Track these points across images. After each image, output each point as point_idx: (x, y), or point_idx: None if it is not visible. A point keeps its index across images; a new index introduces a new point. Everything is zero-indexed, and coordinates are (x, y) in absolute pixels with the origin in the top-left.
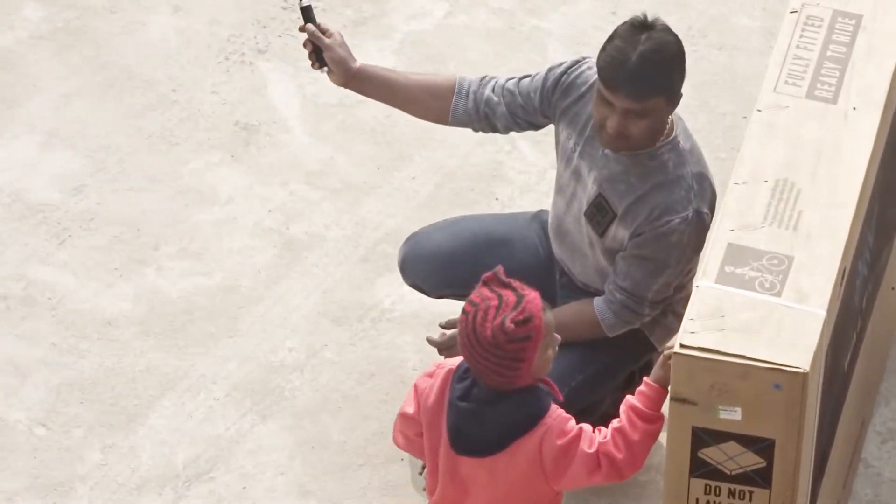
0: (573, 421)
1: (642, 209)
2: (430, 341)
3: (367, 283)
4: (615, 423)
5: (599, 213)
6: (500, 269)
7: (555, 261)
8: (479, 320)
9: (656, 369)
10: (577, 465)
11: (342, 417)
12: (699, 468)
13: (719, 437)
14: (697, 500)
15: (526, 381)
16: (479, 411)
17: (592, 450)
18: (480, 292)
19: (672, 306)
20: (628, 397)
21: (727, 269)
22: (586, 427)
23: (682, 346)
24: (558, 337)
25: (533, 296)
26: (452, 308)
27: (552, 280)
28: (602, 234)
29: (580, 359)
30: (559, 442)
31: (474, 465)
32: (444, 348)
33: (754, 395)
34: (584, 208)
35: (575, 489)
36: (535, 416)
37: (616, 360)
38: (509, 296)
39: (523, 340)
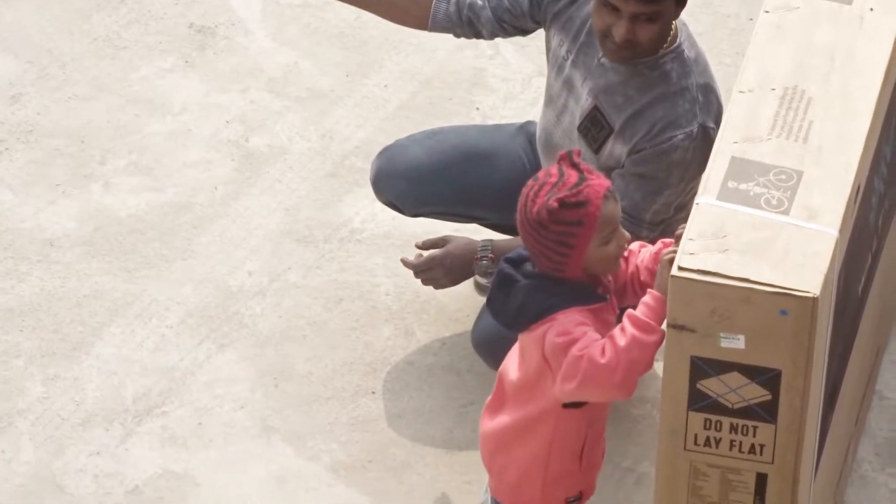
0: (586, 327)
1: (642, 124)
2: (405, 263)
3: (334, 199)
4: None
5: (594, 128)
6: (576, 150)
7: None
8: (531, 195)
9: (658, 276)
10: (565, 367)
11: (307, 346)
12: (698, 401)
13: (720, 367)
14: (696, 435)
15: (575, 273)
16: (509, 279)
17: (580, 353)
18: (547, 169)
19: (672, 227)
20: (630, 311)
21: (730, 184)
22: (594, 334)
23: (680, 268)
24: (626, 234)
25: (598, 182)
26: (429, 227)
27: None
28: (597, 150)
29: None
30: (558, 339)
31: (519, 337)
32: (421, 271)
33: (759, 321)
34: (578, 122)
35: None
36: (546, 307)
37: None
38: (571, 176)
39: (571, 225)
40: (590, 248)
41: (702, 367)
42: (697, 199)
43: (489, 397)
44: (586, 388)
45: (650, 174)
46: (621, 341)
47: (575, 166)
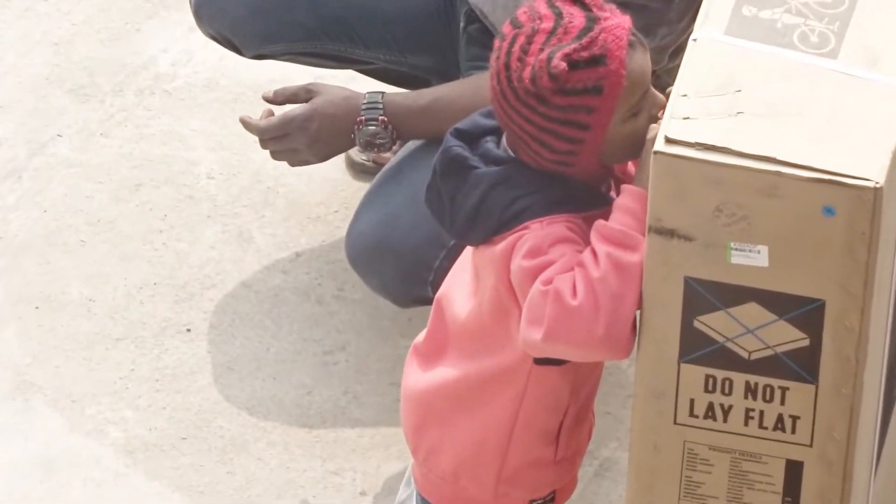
0: (570, 247)
1: None
2: (248, 124)
3: (129, 29)
4: None
5: None
6: None
7: (458, 0)
8: (516, 52)
9: (640, 164)
10: (527, 307)
11: (86, 258)
12: (696, 347)
13: (731, 295)
14: (693, 401)
15: (587, 167)
16: (461, 164)
17: (545, 287)
18: (532, 7)
19: (663, 81)
20: (599, 220)
21: (746, 10)
22: (572, 256)
23: (667, 140)
24: (659, 96)
25: (616, 23)
26: (278, 74)
27: (453, 29)
28: None
29: None
30: (525, 262)
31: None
32: (271, 138)
33: (791, 225)
34: None
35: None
36: (516, 212)
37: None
38: (576, 16)
39: (586, 93)
40: (611, 126)
41: (701, 296)
42: (695, 34)
43: (420, 336)
44: (557, 343)
45: (639, 3)
46: (594, 270)
47: None
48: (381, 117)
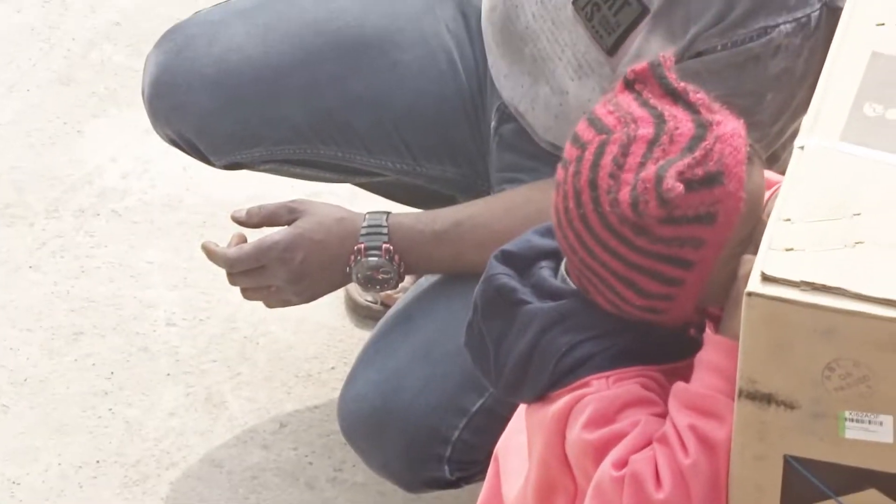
0: (644, 410)
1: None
2: (212, 253)
3: (68, 132)
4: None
5: (610, 5)
6: (666, 57)
7: (489, 91)
8: (607, 167)
9: (727, 314)
10: (595, 496)
11: (8, 431)
12: None
13: (845, 479)
14: None
15: (679, 314)
16: (508, 297)
17: (619, 472)
18: (618, 104)
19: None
20: (679, 383)
21: (868, 109)
22: (654, 424)
23: (765, 278)
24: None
25: (731, 129)
26: (258, 191)
27: (483, 130)
28: (613, 48)
29: None
30: (586, 434)
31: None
32: (242, 272)
33: None
34: None
35: None
36: (575, 362)
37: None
38: (681, 120)
39: (698, 223)
40: (717, 264)
41: (806, 481)
42: (802, 140)
43: None
44: None
45: (724, 95)
46: (682, 454)
47: (677, 95)
48: (385, 245)
